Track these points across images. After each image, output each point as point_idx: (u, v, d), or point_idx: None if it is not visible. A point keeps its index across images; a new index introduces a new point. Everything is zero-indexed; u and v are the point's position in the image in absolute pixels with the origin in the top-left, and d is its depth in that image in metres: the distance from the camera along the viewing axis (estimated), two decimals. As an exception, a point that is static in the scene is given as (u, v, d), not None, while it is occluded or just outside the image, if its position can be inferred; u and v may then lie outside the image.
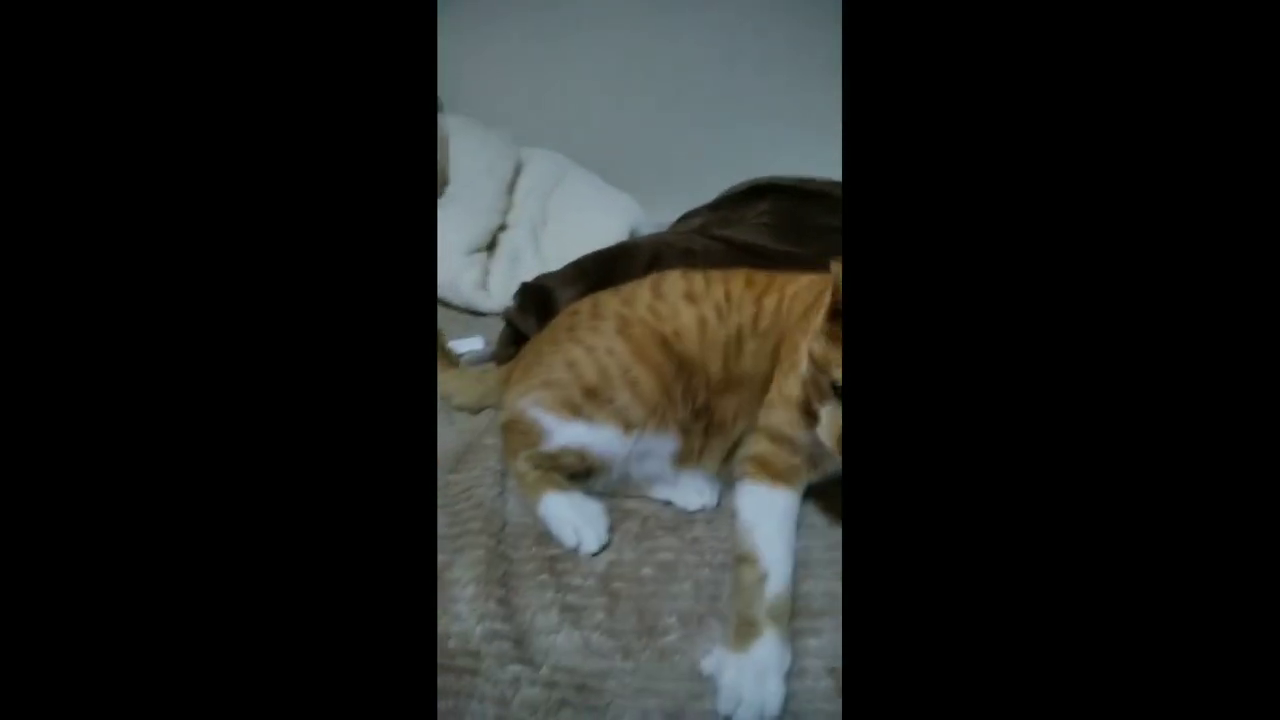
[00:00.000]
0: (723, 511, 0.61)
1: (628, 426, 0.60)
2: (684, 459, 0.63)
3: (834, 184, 1.21)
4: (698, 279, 0.70)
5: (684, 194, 1.33)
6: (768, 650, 0.46)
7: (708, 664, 0.47)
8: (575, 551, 0.56)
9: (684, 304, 0.67)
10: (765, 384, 0.62)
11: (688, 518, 0.61)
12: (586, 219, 1.30)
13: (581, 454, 0.61)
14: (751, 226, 1.04)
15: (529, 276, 0.98)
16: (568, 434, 0.61)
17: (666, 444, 0.62)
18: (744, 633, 0.47)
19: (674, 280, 0.71)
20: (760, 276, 0.70)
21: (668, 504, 0.62)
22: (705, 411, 0.63)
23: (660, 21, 1.55)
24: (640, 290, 0.70)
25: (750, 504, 0.55)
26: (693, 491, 0.62)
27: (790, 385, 0.57)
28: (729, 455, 0.63)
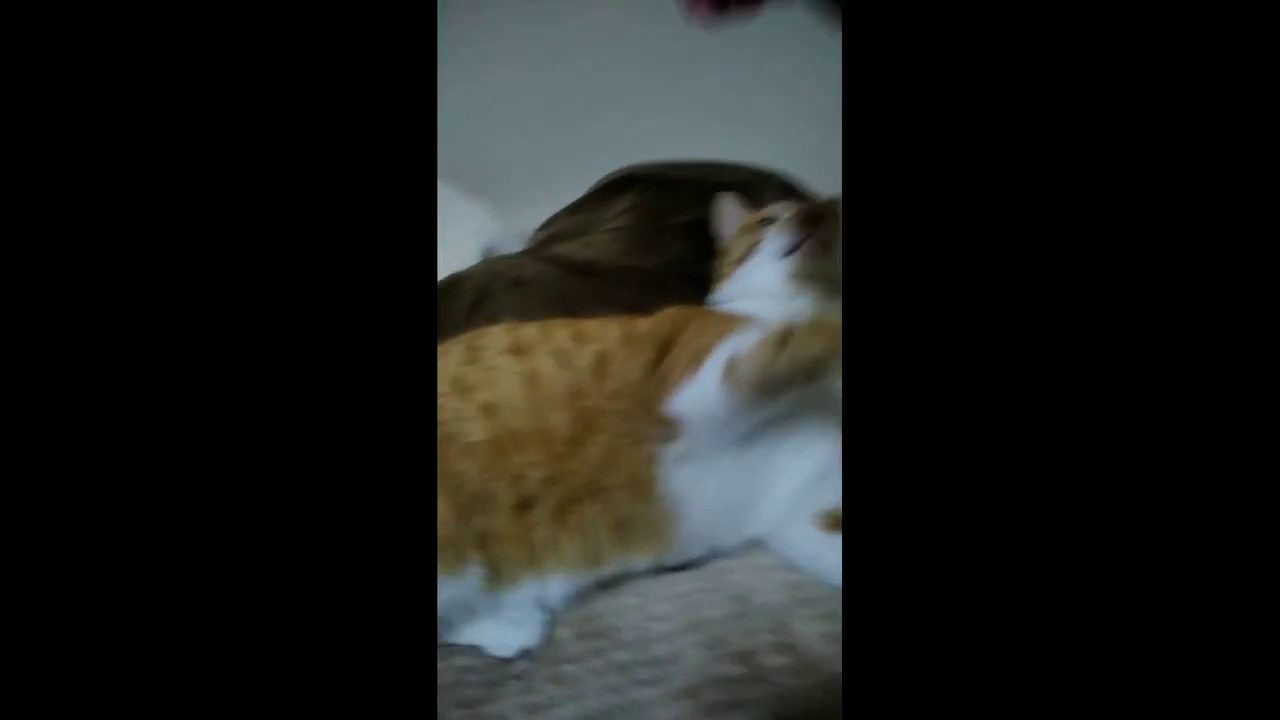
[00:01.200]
0: (548, 654, 0.47)
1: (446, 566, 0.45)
2: (511, 572, 0.49)
3: (703, 167, 1.07)
4: (531, 329, 0.57)
5: (550, 194, 1.18)
6: None
7: None
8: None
9: (506, 364, 0.54)
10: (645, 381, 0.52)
11: (498, 676, 0.46)
12: (449, 245, 1.13)
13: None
14: (605, 234, 0.89)
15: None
16: None
17: (473, 573, 0.47)
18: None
19: (495, 335, 0.57)
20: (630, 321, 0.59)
21: (473, 649, 0.47)
22: (547, 492, 0.49)
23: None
24: (446, 363, 0.55)
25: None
26: (507, 627, 0.48)
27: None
28: (620, 526, 0.50)
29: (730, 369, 0.49)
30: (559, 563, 0.49)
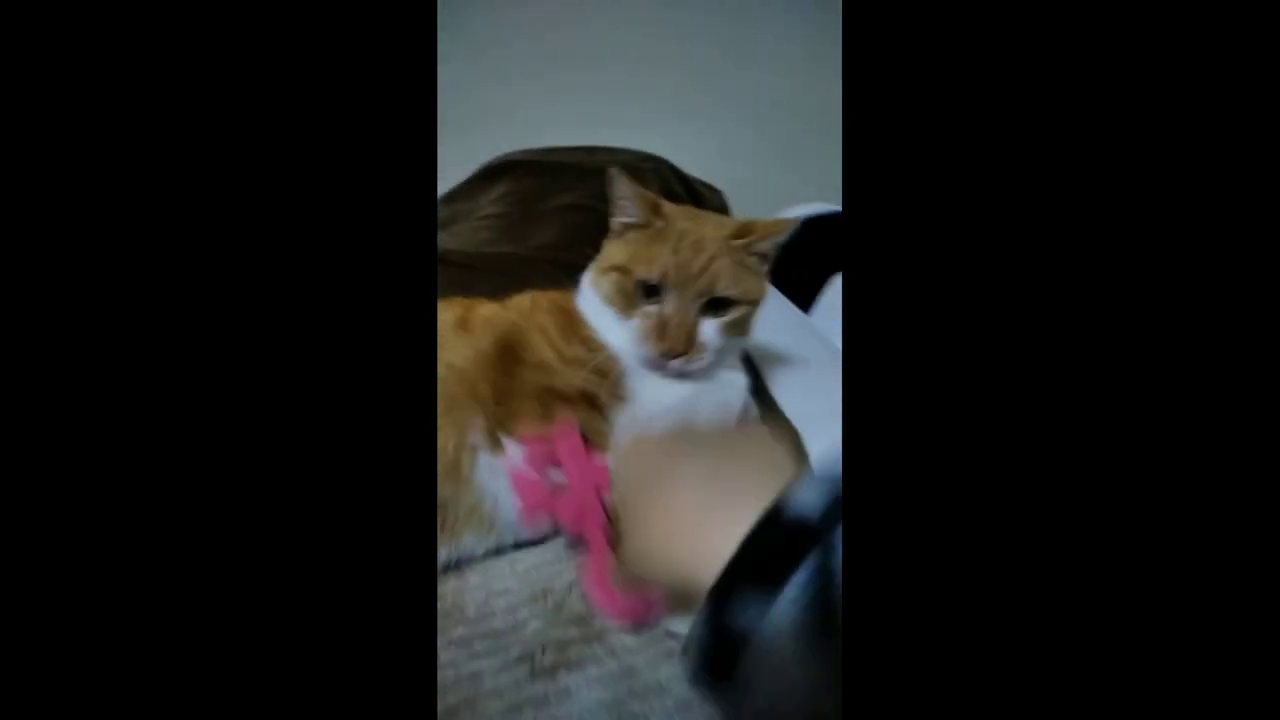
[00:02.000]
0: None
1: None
2: None
3: (581, 151, 1.07)
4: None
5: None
6: None
7: None
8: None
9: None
10: (482, 381, 0.52)
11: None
12: None
13: None
14: (475, 222, 0.88)
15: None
16: None
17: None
18: None
19: None
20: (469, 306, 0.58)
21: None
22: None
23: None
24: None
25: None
26: None
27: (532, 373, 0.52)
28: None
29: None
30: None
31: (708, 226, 0.55)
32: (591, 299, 0.55)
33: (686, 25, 1.42)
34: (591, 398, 0.50)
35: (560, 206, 0.90)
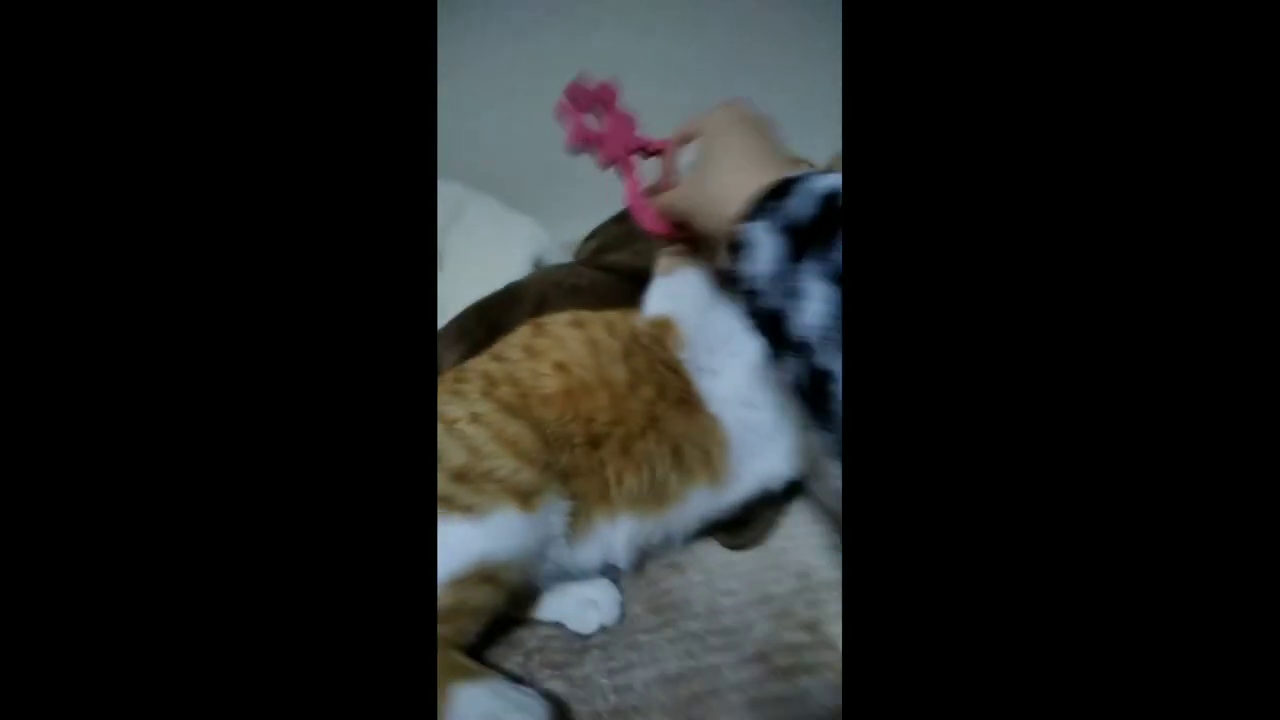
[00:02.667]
0: (624, 627, 0.51)
1: (523, 499, 0.48)
2: (586, 509, 0.52)
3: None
4: (584, 312, 0.64)
5: (591, 207, 1.23)
6: None
7: None
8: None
9: (571, 331, 0.60)
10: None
11: (581, 646, 0.50)
12: (485, 254, 1.18)
13: (482, 570, 0.46)
14: (649, 243, 0.93)
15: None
16: (453, 548, 0.45)
17: (563, 506, 0.51)
18: None
19: (558, 317, 0.63)
20: None
21: (559, 627, 0.51)
22: (613, 430, 0.54)
23: (555, 21, 1.44)
24: (515, 338, 0.61)
25: None
26: (588, 606, 0.52)
27: None
28: (653, 480, 0.54)
29: None
30: (626, 500, 0.53)
31: None
32: None
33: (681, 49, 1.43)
34: None
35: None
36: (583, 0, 1.45)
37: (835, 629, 0.46)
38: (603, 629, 0.50)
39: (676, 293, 0.61)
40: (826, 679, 0.43)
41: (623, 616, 0.51)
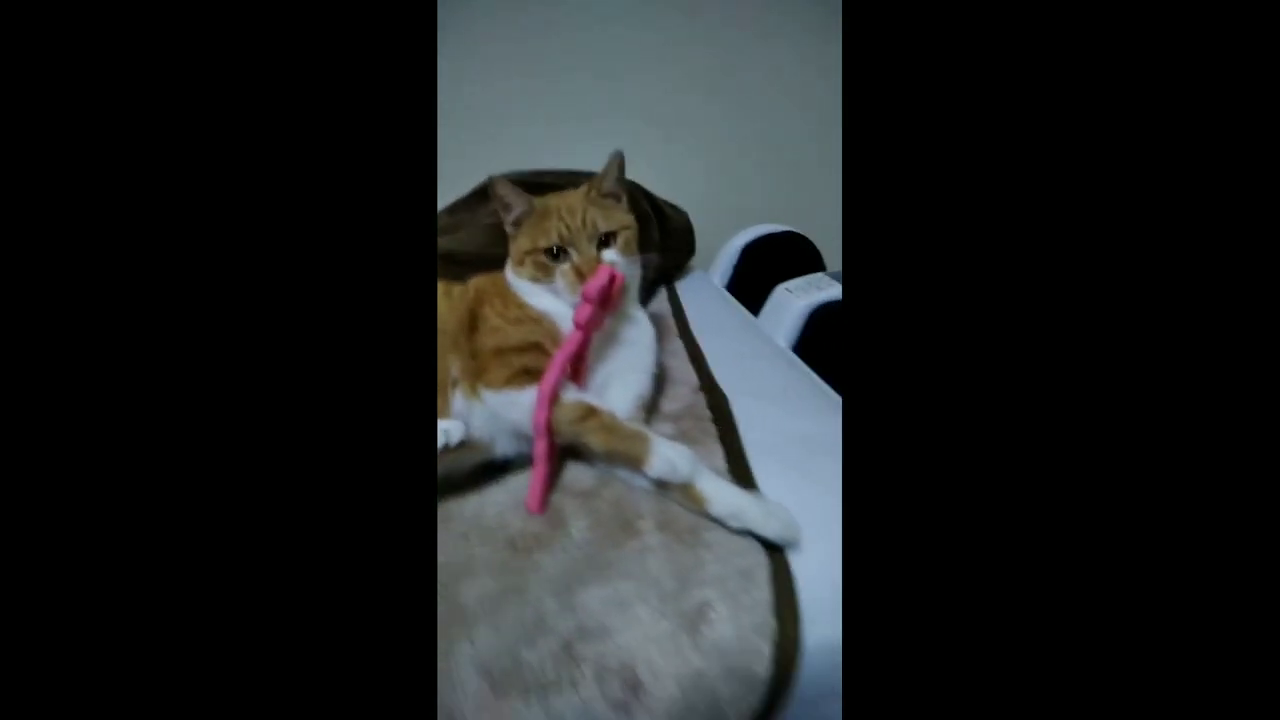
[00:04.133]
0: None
1: None
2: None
3: (568, 174, 1.24)
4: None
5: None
6: (663, 442, 0.58)
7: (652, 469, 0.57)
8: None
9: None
10: (459, 336, 0.70)
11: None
12: None
13: None
14: (474, 229, 1.03)
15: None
16: None
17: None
18: (640, 447, 0.57)
19: None
20: (449, 286, 0.78)
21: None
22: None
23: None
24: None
25: (524, 400, 0.63)
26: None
27: (488, 337, 0.69)
28: None
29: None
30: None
31: (571, 196, 0.75)
32: (520, 286, 0.74)
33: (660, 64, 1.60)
34: (538, 345, 0.67)
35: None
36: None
37: (575, 521, 0.58)
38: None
39: None
40: (559, 553, 0.55)
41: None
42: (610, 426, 0.59)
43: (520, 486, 0.64)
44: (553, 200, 0.74)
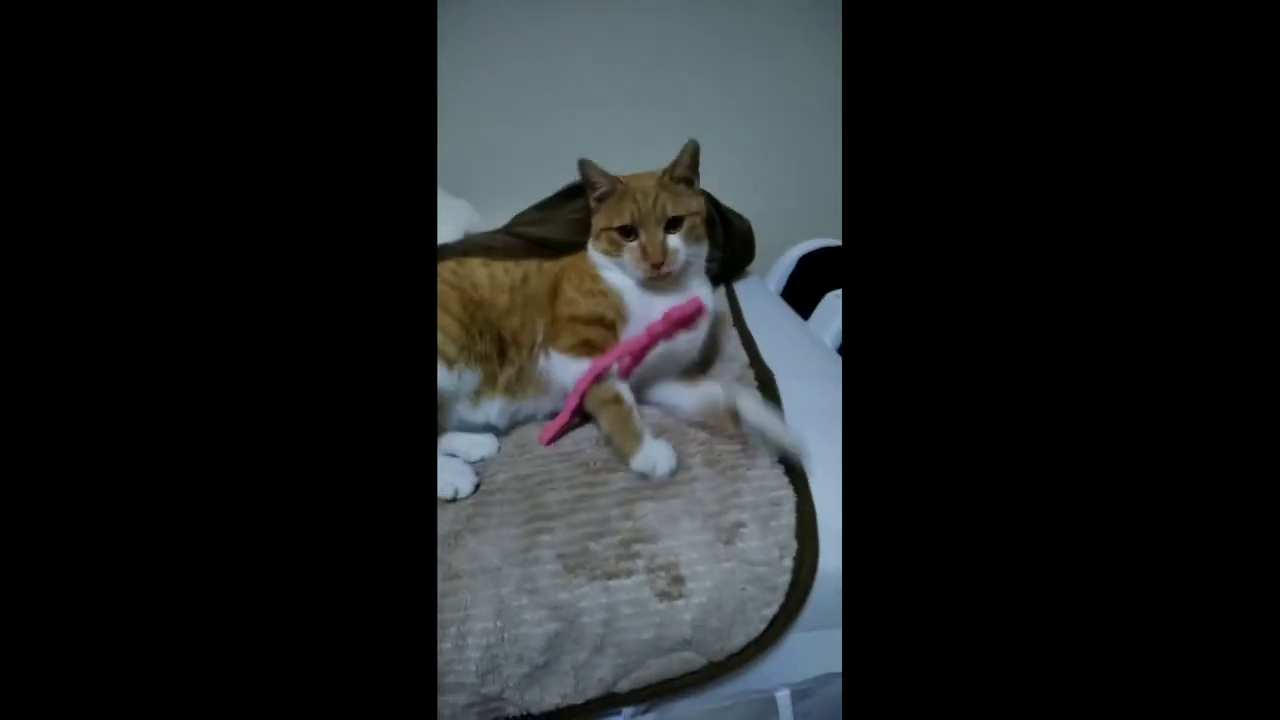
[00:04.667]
0: (497, 455, 0.74)
1: (448, 361, 0.74)
2: (485, 388, 0.79)
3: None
4: (493, 259, 0.91)
5: (521, 195, 1.47)
6: (654, 440, 0.69)
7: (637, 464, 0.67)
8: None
9: (479, 267, 0.87)
10: (545, 303, 0.82)
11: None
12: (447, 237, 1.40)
13: None
14: (560, 223, 1.18)
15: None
16: None
17: (473, 378, 0.77)
18: (632, 444, 0.68)
19: (473, 259, 0.90)
20: (542, 261, 0.91)
21: (452, 457, 0.74)
22: (496, 338, 0.80)
23: (485, 20, 1.66)
24: (444, 265, 0.87)
25: (576, 368, 0.75)
26: (474, 445, 0.75)
27: (564, 306, 0.80)
28: (519, 377, 0.80)
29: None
30: (502, 386, 0.80)
31: (648, 178, 0.82)
32: (598, 260, 0.84)
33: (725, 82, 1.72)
34: (602, 318, 0.80)
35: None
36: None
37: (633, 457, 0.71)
38: (482, 459, 0.73)
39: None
40: (621, 474, 0.67)
41: (500, 450, 0.74)
42: (621, 418, 0.70)
43: (589, 429, 0.77)
44: (632, 181, 0.83)
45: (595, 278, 0.83)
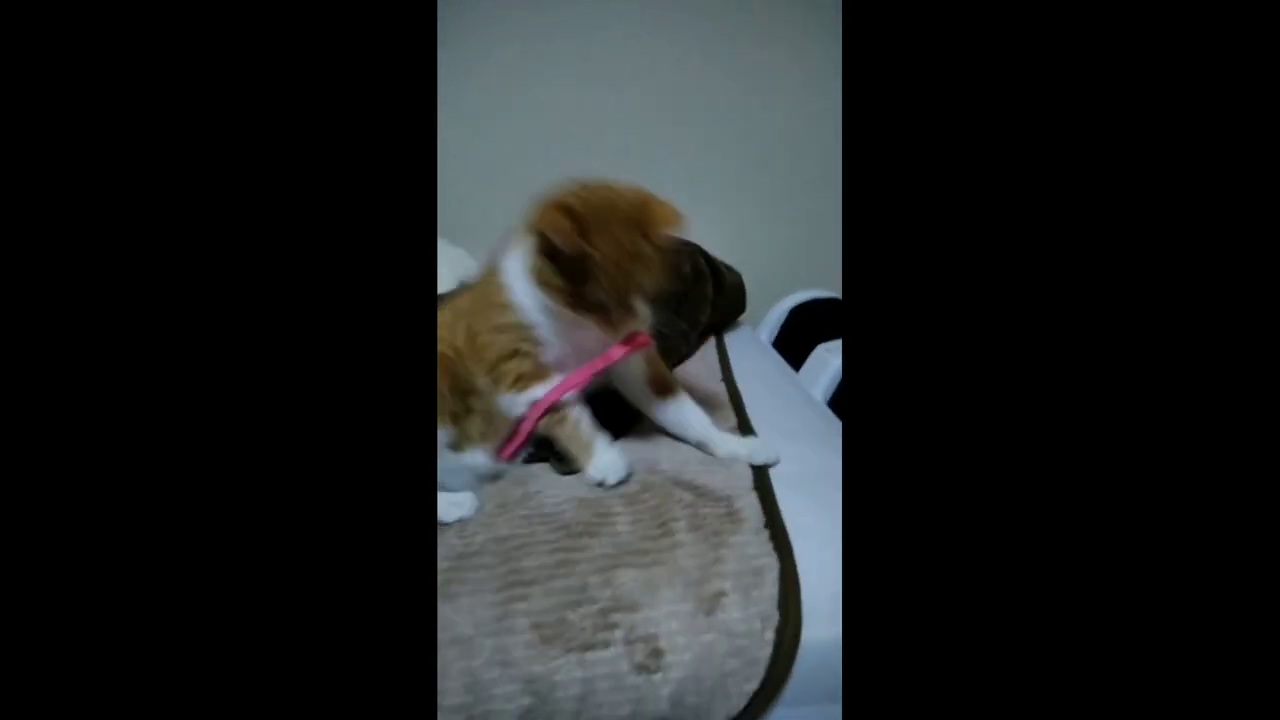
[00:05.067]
0: (476, 515, 0.73)
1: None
2: (461, 443, 0.78)
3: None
4: (464, 298, 0.87)
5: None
6: (606, 449, 0.75)
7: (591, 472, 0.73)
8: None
9: (450, 317, 0.83)
10: (471, 349, 0.80)
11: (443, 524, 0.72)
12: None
13: None
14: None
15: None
16: None
17: (445, 435, 0.76)
18: (584, 456, 0.74)
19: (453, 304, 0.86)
20: (453, 300, 0.88)
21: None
22: (467, 393, 0.79)
23: (490, 80, 1.71)
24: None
25: (524, 400, 0.76)
26: (451, 506, 0.73)
27: (484, 350, 0.78)
28: (489, 421, 0.79)
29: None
30: (475, 438, 0.79)
31: (619, 243, 0.68)
32: (523, 295, 0.76)
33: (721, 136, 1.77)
34: (518, 351, 0.77)
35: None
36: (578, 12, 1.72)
37: (620, 517, 0.69)
38: (460, 520, 0.72)
39: None
40: (602, 539, 0.66)
41: (479, 510, 0.73)
42: (571, 434, 0.75)
43: (572, 484, 0.76)
44: (600, 243, 0.66)
45: (503, 308, 0.76)
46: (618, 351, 0.75)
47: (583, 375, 0.76)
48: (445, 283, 1.40)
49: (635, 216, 0.67)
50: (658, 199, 0.70)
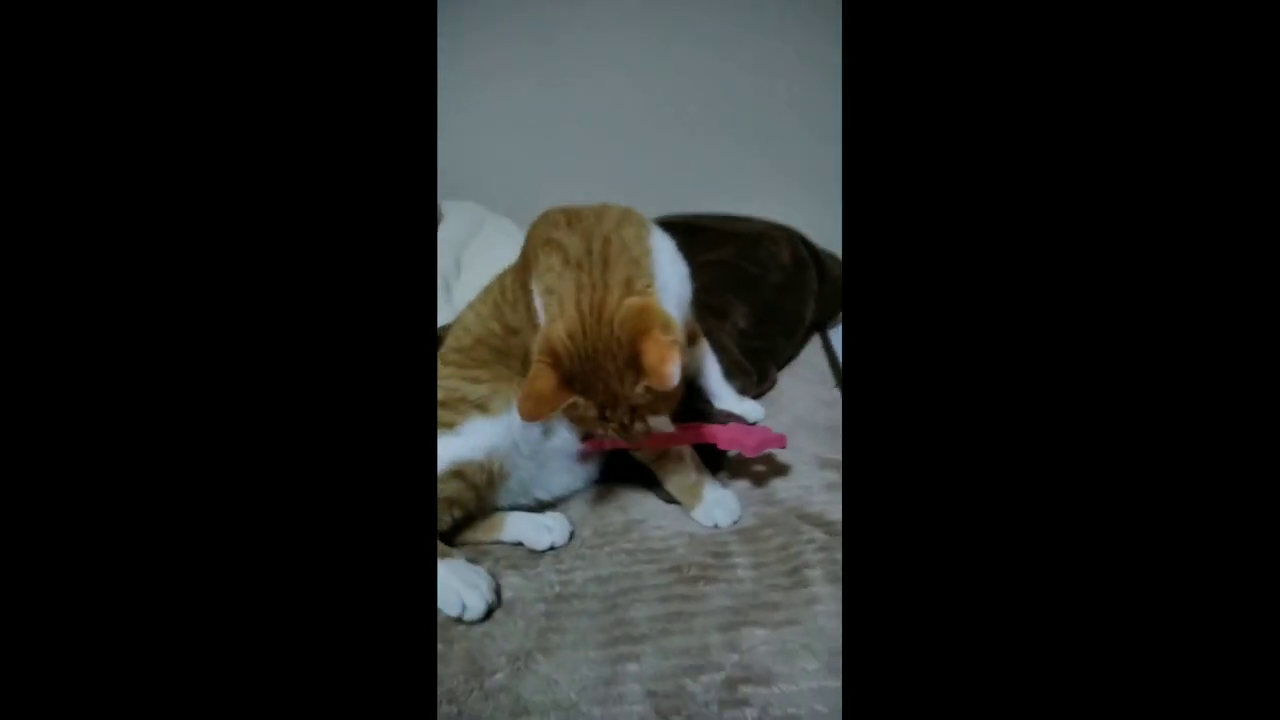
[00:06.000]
0: (573, 545, 0.64)
1: (486, 409, 0.64)
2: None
3: (720, 218, 1.29)
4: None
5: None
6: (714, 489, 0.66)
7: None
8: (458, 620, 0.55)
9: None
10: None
11: (538, 556, 0.63)
12: (495, 261, 1.35)
13: (460, 471, 0.62)
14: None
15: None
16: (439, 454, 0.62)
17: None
18: (690, 499, 0.66)
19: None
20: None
21: (518, 545, 0.65)
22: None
23: (572, 66, 1.63)
24: (485, 303, 0.75)
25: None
26: (543, 529, 0.64)
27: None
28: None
29: None
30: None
31: (611, 357, 0.58)
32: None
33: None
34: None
35: (703, 261, 1.10)
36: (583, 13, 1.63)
37: (739, 559, 0.59)
38: (553, 547, 0.63)
39: None
40: (721, 586, 0.55)
41: (572, 537, 0.64)
42: (674, 469, 0.66)
43: (678, 515, 0.66)
44: (590, 393, 0.58)
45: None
46: (759, 443, 0.66)
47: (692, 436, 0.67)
48: (460, 235, 1.35)
49: (629, 357, 0.56)
50: (656, 335, 0.55)
